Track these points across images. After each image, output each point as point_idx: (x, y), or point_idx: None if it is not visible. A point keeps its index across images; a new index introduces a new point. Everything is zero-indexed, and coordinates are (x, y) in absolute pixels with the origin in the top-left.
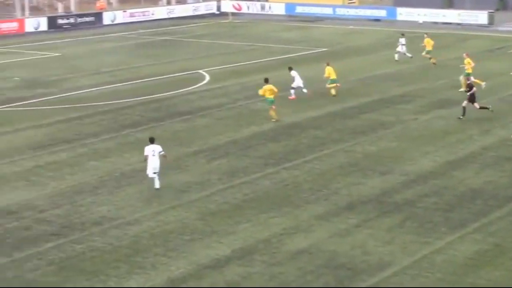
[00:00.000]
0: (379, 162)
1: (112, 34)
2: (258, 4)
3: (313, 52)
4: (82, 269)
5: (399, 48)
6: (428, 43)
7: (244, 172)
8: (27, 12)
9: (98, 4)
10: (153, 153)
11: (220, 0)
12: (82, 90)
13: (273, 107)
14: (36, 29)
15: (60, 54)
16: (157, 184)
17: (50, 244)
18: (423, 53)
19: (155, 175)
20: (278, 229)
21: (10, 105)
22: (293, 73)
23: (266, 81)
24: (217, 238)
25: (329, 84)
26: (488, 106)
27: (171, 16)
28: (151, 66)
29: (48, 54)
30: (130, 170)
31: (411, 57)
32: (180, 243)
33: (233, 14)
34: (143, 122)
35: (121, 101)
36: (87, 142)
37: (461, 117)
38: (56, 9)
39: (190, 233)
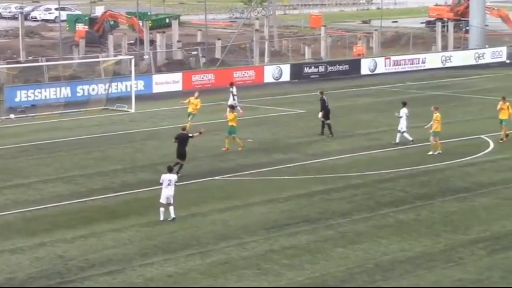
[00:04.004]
0: None
1: (371, 87)
2: None
3: None
4: None
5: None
6: None
7: None
8: (266, 58)
9: (355, 49)
10: (168, 182)
11: None
12: (330, 156)
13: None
14: (276, 79)
15: (304, 110)
16: (172, 214)
17: None
18: None
19: (171, 207)
20: None
21: (241, 173)
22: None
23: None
24: None
25: None
26: None
27: (447, 65)
28: (419, 128)
29: (290, 111)
30: (388, 260)
31: None
32: None
33: None
34: (407, 200)
35: (379, 172)
36: (334, 223)
37: None
38: (303, 54)
39: None
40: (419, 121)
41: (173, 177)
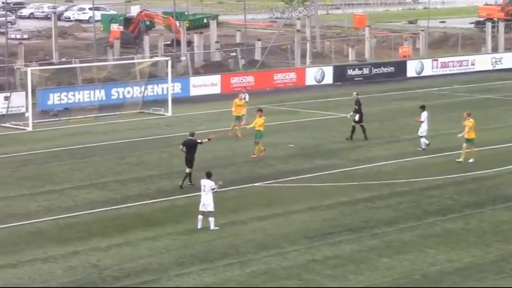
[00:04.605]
0: None
1: (418, 90)
2: None
3: None
4: None
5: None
6: None
7: None
8: (308, 60)
9: (400, 51)
10: (203, 188)
11: None
12: (375, 162)
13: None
14: (318, 82)
15: (348, 114)
16: (211, 226)
17: None
18: None
19: (210, 218)
20: None
21: (281, 180)
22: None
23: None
24: None
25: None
26: None
27: (498, 67)
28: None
29: (332, 115)
30: (436, 271)
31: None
32: None
33: None
34: (455, 208)
35: (426, 178)
36: (379, 232)
37: None
38: (346, 56)
39: None
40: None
41: (208, 183)
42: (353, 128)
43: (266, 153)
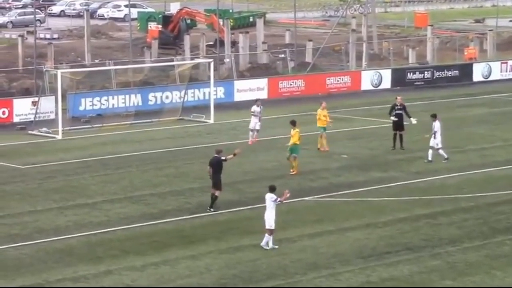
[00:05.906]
0: None
1: (485, 96)
2: None
3: None
4: None
5: None
6: None
7: None
8: (364, 63)
9: (466, 53)
10: (267, 203)
11: None
12: (437, 175)
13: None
14: (375, 87)
15: (407, 122)
16: (269, 244)
17: None
18: None
19: (270, 235)
20: None
21: (334, 193)
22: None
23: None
24: None
25: None
26: None
27: None
28: None
29: (388, 122)
30: None
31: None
32: None
33: None
34: None
35: (494, 193)
36: (441, 251)
37: None
38: (406, 58)
39: None
40: None
41: (268, 196)
42: (400, 136)
43: (306, 168)
